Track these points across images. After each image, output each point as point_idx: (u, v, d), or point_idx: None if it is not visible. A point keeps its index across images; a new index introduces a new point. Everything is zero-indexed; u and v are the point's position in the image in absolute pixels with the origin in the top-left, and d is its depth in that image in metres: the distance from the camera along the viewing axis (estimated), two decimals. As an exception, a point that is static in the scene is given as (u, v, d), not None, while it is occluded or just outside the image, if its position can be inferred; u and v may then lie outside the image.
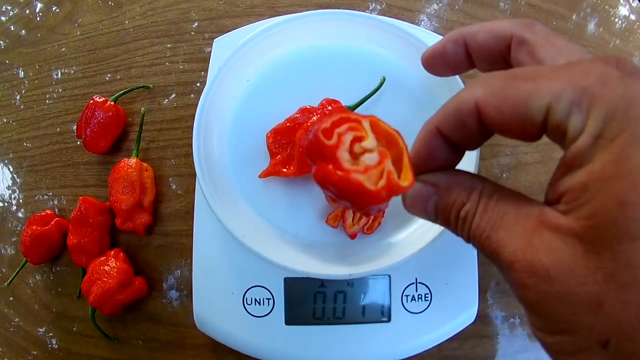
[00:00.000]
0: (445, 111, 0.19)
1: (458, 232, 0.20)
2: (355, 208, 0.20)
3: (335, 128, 0.19)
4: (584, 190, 0.15)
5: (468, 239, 0.19)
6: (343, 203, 0.20)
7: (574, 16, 0.46)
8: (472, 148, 0.20)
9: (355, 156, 0.19)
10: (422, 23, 0.45)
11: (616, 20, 0.47)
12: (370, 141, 0.19)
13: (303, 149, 0.20)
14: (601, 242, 0.15)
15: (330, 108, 0.33)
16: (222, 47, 0.40)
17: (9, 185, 0.45)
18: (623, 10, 0.47)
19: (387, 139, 0.20)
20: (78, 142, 0.44)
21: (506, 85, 0.17)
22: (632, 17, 0.47)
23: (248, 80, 0.37)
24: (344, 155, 0.19)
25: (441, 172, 0.21)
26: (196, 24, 0.45)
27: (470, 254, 0.36)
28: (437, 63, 0.25)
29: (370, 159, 0.19)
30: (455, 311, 0.36)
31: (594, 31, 0.46)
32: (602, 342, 0.15)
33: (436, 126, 0.20)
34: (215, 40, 0.40)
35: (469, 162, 0.33)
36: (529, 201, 0.18)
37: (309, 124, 0.33)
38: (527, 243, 0.17)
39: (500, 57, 0.23)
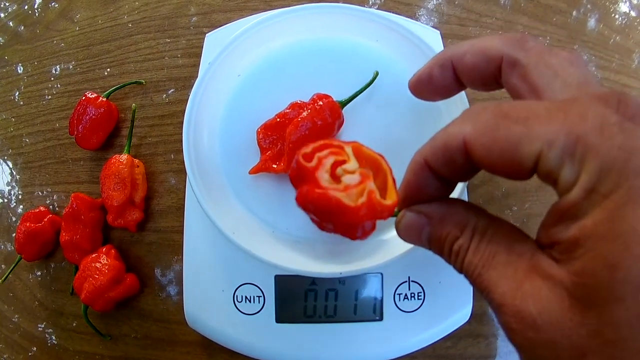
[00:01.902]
0: (434, 145, 0.19)
1: (451, 263, 0.20)
2: (339, 230, 0.20)
3: (316, 152, 0.19)
4: (575, 245, 0.15)
5: (460, 271, 0.19)
6: (327, 226, 0.20)
7: (574, 12, 0.46)
8: (462, 181, 0.20)
9: (336, 178, 0.19)
10: (421, 18, 0.44)
11: (616, 16, 0.46)
12: (352, 164, 0.19)
13: (290, 176, 0.20)
14: (588, 299, 0.15)
15: (321, 103, 0.33)
16: (214, 42, 0.39)
17: (8, 182, 0.45)
18: (623, 7, 0.46)
19: (372, 165, 0.19)
20: (72, 139, 0.44)
21: (497, 124, 0.16)
22: (633, 13, 0.46)
23: (239, 75, 0.37)
24: (323, 176, 0.18)
25: (435, 202, 0.20)
26: (190, 19, 0.45)
27: (464, 251, 0.36)
28: (425, 89, 0.24)
29: (351, 179, 0.18)
30: (449, 310, 0.35)
31: (594, 27, 0.45)
32: None
33: (424, 159, 0.19)
34: (207, 34, 0.40)
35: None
36: (522, 239, 0.18)
37: (299, 119, 0.32)
38: (517, 288, 0.16)
39: (491, 78, 0.22)
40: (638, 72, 0.45)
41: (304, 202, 0.18)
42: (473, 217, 0.19)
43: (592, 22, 0.45)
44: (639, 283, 0.14)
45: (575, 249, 0.15)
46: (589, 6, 0.46)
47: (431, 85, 0.24)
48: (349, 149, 0.19)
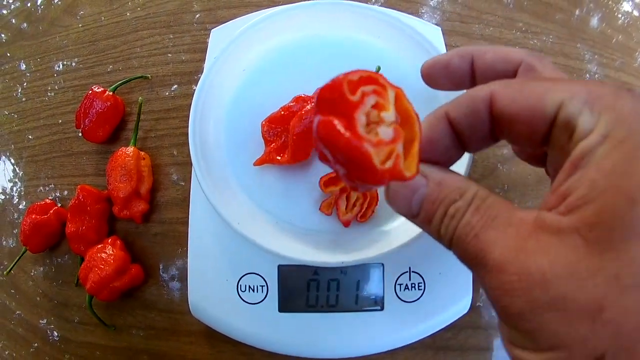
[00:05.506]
0: (459, 99, 0.19)
1: (441, 230, 0.19)
2: (347, 178, 0.18)
3: (362, 85, 0.17)
4: (592, 187, 0.15)
5: (451, 239, 0.18)
6: (337, 167, 0.18)
7: (576, 11, 0.46)
8: (473, 147, 0.20)
9: (369, 123, 0.17)
10: (422, 14, 0.45)
11: (619, 15, 0.46)
12: (390, 114, 0.17)
13: (320, 94, 0.17)
14: (606, 240, 0.14)
15: (324, 96, 0.33)
16: (219, 37, 0.40)
17: (10, 178, 0.46)
18: (626, 6, 0.47)
19: (405, 118, 0.18)
20: (78, 133, 0.44)
21: (524, 82, 0.18)
22: (635, 13, 0.47)
23: (244, 70, 0.37)
24: (361, 118, 0.17)
25: (434, 167, 0.20)
26: (195, 15, 0.45)
27: (464, 243, 0.36)
28: (439, 74, 0.25)
29: (385, 133, 0.17)
30: (449, 301, 0.36)
31: (597, 26, 0.46)
32: (597, 357, 0.14)
33: (446, 111, 0.19)
34: (212, 30, 0.41)
35: (461, 161, 0.33)
36: (523, 209, 0.17)
37: (302, 112, 0.33)
38: (521, 245, 0.16)
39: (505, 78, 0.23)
40: (640, 71, 0.45)
41: (327, 138, 0.16)
42: (473, 185, 0.18)
43: (594, 21, 0.46)
44: None
45: (591, 191, 0.15)
46: (591, 5, 0.46)
47: (446, 72, 0.24)
48: (391, 94, 0.18)
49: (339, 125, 0.16)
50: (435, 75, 0.25)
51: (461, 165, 0.32)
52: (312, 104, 0.33)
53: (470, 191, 0.18)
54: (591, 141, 0.15)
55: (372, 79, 0.17)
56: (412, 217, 0.20)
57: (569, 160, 0.16)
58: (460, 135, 0.20)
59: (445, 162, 0.20)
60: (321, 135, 0.17)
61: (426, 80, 0.26)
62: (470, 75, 0.24)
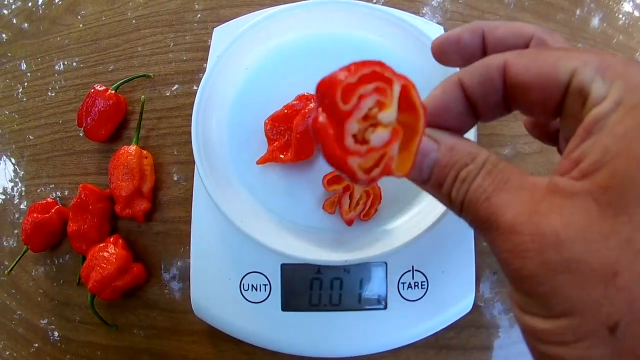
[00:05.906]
0: (473, 66, 0.19)
1: (452, 194, 0.18)
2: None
3: (360, 86, 0.16)
4: (604, 152, 0.15)
5: (462, 203, 0.18)
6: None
7: (577, 11, 0.46)
8: (485, 116, 0.20)
9: (366, 118, 0.17)
10: (425, 14, 0.45)
11: (620, 16, 0.47)
12: (389, 113, 0.17)
13: (319, 84, 0.17)
14: (618, 204, 0.14)
15: (327, 95, 0.33)
16: (222, 36, 0.40)
17: (11, 178, 0.45)
18: (627, 7, 0.47)
19: (409, 109, 0.17)
20: (79, 132, 0.44)
21: (538, 51, 0.18)
22: (636, 13, 0.47)
23: (247, 68, 0.37)
24: (352, 127, 0.16)
25: (446, 132, 0.19)
26: (197, 14, 0.45)
27: (467, 242, 0.36)
28: (450, 49, 0.24)
29: (379, 137, 0.16)
30: (452, 300, 0.36)
31: (598, 26, 0.46)
32: (610, 326, 0.14)
33: (459, 78, 0.19)
34: (215, 29, 0.41)
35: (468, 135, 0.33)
36: (535, 175, 0.17)
37: (306, 110, 0.33)
38: (534, 208, 0.16)
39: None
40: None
41: (316, 138, 0.16)
42: (485, 150, 0.18)
43: (595, 21, 0.46)
44: None
45: (603, 156, 0.15)
46: (592, 5, 0.46)
47: (457, 47, 0.24)
48: (397, 89, 0.17)
49: (329, 132, 0.16)
50: (446, 51, 0.24)
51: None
52: (315, 102, 0.33)
53: (482, 155, 0.18)
54: (604, 107, 0.15)
55: (375, 75, 0.16)
56: (423, 182, 0.20)
57: (582, 126, 0.16)
58: (473, 104, 0.19)
59: (457, 129, 0.20)
60: (314, 135, 0.17)
61: (436, 57, 0.25)
62: (481, 50, 0.24)
